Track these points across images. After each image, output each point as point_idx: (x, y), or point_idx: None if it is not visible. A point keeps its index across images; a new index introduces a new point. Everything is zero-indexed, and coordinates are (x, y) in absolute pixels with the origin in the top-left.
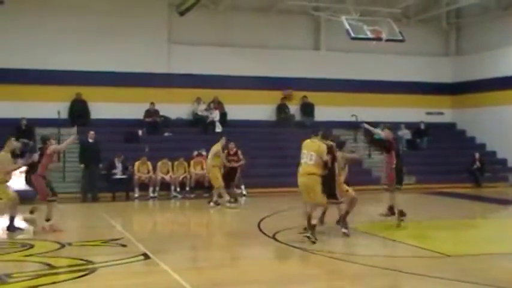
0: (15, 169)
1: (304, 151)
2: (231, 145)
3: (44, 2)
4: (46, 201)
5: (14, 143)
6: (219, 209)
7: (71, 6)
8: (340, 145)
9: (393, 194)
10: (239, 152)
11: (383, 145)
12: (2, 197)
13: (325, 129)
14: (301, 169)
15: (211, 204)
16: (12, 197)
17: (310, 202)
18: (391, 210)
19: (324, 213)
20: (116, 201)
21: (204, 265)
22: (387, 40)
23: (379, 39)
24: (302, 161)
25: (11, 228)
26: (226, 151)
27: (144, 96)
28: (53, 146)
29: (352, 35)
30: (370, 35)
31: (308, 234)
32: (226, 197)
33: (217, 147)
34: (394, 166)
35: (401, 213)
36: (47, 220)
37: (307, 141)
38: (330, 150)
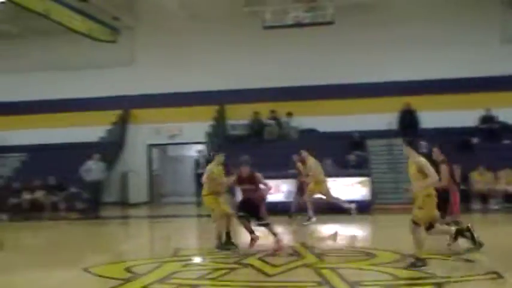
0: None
1: None
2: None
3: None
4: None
5: (222, 158)
6: None
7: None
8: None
9: None
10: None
11: None
12: (213, 208)
13: None
14: None
15: None
16: (224, 210)
17: None
18: None
19: None
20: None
21: None
22: None
23: None
24: None
25: (220, 246)
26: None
27: (476, 101)
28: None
29: None
30: None
31: None
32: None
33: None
34: None
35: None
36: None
37: None
38: None
